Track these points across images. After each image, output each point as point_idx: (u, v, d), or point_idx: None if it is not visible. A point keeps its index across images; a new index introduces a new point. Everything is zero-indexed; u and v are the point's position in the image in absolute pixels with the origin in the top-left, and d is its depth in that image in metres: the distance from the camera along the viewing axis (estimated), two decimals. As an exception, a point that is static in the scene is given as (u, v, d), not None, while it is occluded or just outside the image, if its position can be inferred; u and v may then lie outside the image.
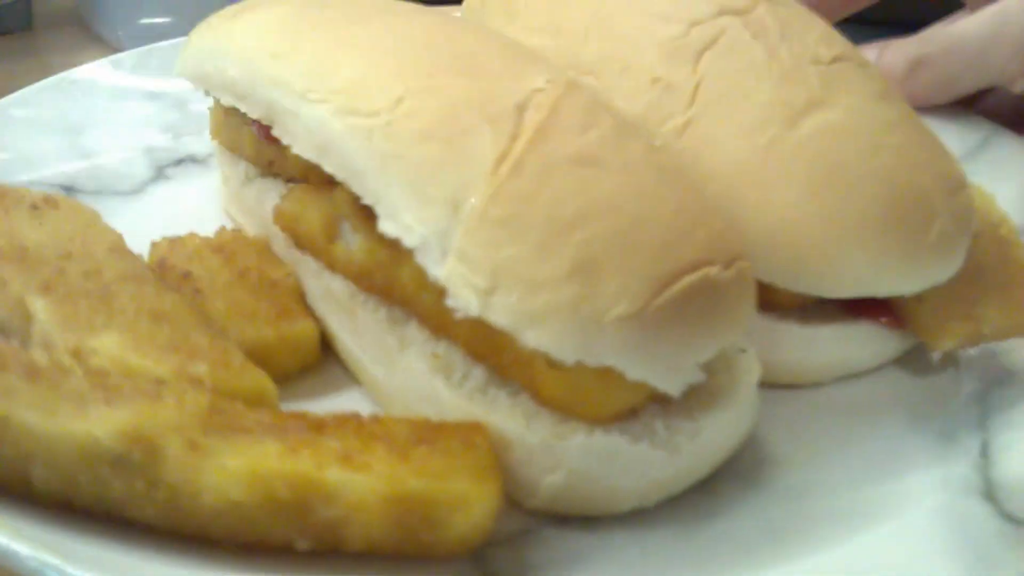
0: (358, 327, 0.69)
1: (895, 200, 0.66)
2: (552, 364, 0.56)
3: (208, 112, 0.91)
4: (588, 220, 0.55)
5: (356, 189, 0.63)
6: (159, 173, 0.98)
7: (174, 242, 0.78)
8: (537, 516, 0.59)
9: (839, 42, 0.77)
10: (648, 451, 0.56)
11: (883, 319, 0.71)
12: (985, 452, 0.63)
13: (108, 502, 0.50)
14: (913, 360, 0.74)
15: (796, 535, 0.58)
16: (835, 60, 0.74)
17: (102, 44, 1.36)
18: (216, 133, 0.89)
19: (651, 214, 0.57)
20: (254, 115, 0.72)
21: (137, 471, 0.50)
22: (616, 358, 0.53)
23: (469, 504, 0.51)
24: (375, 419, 0.57)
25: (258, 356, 0.67)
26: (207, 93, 0.82)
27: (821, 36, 0.77)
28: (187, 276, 0.74)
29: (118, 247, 0.76)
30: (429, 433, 0.56)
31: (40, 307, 0.65)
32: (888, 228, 0.66)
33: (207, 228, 0.89)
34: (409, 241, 0.58)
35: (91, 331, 0.63)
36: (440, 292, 0.63)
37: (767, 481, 0.63)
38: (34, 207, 0.77)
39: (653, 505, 0.59)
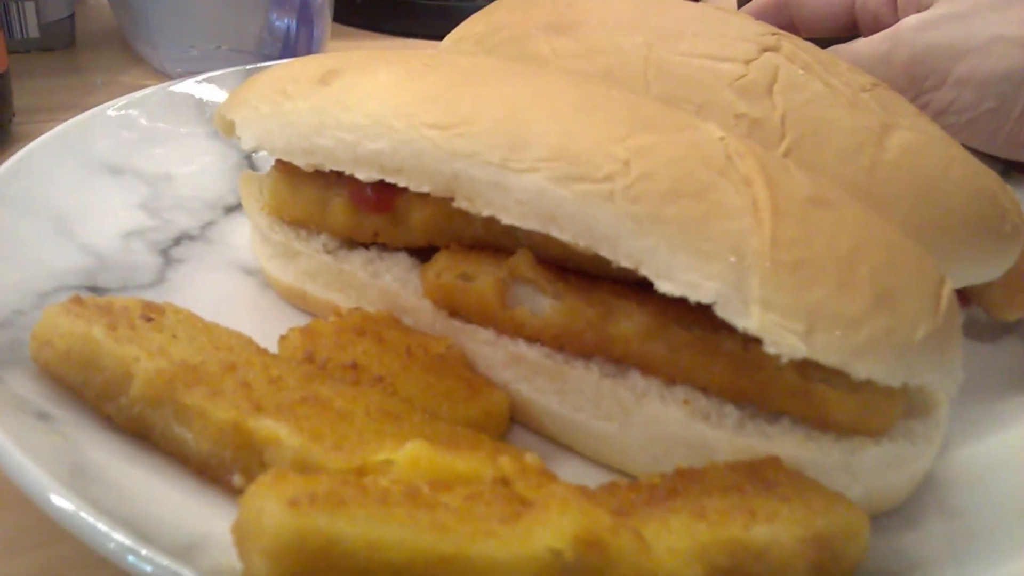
0: (567, 387, 0.70)
1: (979, 203, 0.79)
2: (837, 388, 0.62)
3: (251, 183, 0.83)
4: (861, 254, 0.61)
5: (605, 253, 0.63)
6: (166, 257, 0.87)
7: (306, 332, 0.72)
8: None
9: (860, 70, 0.89)
10: (923, 448, 0.64)
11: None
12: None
13: (579, 614, 0.48)
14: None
15: (1014, 512, 0.68)
16: (874, 86, 0.86)
17: (144, 64, 1.36)
18: (277, 208, 0.81)
19: (892, 239, 0.64)
20: (421, 188, 0.69)
21: (597, 574, 0.48)
22: (931, 374, 0.60)
23: (859, 529, 0.56)
24: (688, 473, 0.60)
25: (465, 435, 0.65)
26: (308, 166, 0.75)
27: (847, 67, 0.89)
28: (355, 367, 0.69)
29: (260, 347, 0.69)
30: (755, 474, 0.59)
31: (283, 430, 0.58)
32: (981, 227, 0.79)
33: (261, 309, 0.84)
34: (701, 297, 0.60)
35: (360, 443, 0.58)
36: (676, 342, 0.66)
37: (942, 464, 0.73)
38: (147, 318, 0.67)
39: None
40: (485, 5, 1.00)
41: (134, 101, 1.02)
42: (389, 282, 0.77)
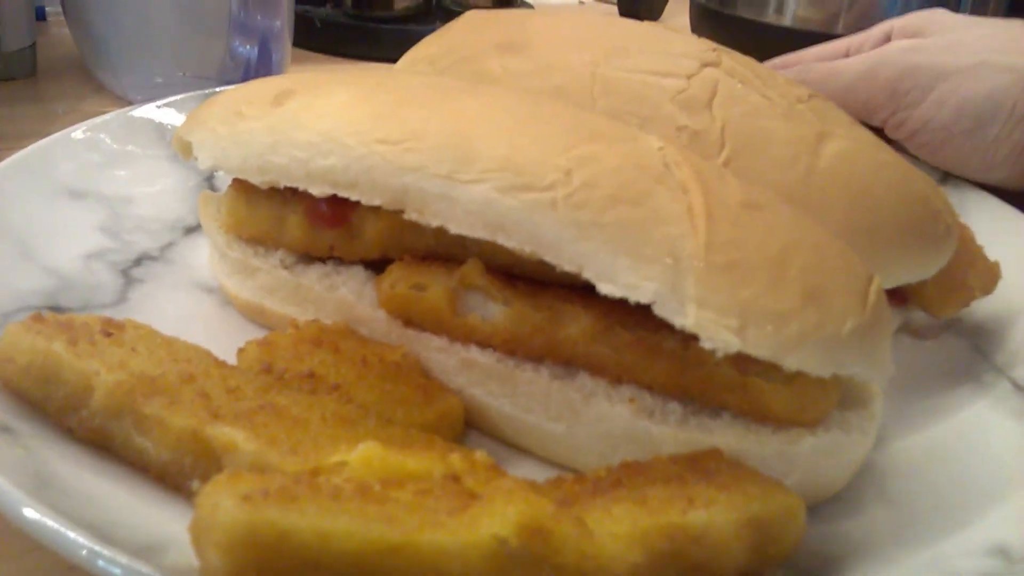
0: (518, 390, 0.72)
1: (911, 206, 0.83)
2: (772, 381, 0.65)
3: (208, 203, 0.86)
4: (791, 254, 0.65)
5: (549, 259, 0.66)
6: (127, 277, 0.89)
7: (264, 345, 0.74)
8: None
9: (797, 83, 0.93)
10: (857, 438, 0.67)
11: (891, 301, 0.88)
12: (1018, 387, 0.82)
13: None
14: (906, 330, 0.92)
15: (952, 496, 0.71)
16: (810, 97, 0.90)
17: (106, 92, 1.35)
18: (234, 226, 0.84)
19: (821, 240, 0.68)
20: (373, 201, 0.71)
21: (542, 561, 0.51)
22: (858, 366, 0.63)
23: (795, 512, 0.58)
24: (630, 466, 0.62)
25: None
26: (263, 184, 0.78)
27: (785, 79, 0.93)
28: (312, 376, 0.71)
29: (218, 360, 0.71)
30: (695, 465, 0.62)
31: (240, 437, 0.60)
32: (913, 230, 0.82)
33: (222, 325, 0.85)
34: (640, 298, 0.63)
35: (316, 447, 0.60)
36: (619, 342, 0.69)
37: (882, 455, 0.76)
38: (107, 333, 0.69)
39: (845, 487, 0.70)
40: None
41: (95, 126, 1.03)
42: (345, 294, 0.79)
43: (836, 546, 0.66)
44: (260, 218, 0.82)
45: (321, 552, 0.46)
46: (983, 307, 0.93)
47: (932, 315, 0.89)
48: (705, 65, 0.91)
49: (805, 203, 0.82)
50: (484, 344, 0.73)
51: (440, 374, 0.75)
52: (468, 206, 0.68)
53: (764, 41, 1.02)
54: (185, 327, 0.76)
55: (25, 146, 0.97)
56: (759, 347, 0.62)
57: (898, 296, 0.88)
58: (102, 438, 0.64)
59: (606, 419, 0.69)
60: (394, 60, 1.05)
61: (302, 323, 0.78)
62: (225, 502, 0.46)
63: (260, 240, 0.83)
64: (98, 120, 1.04)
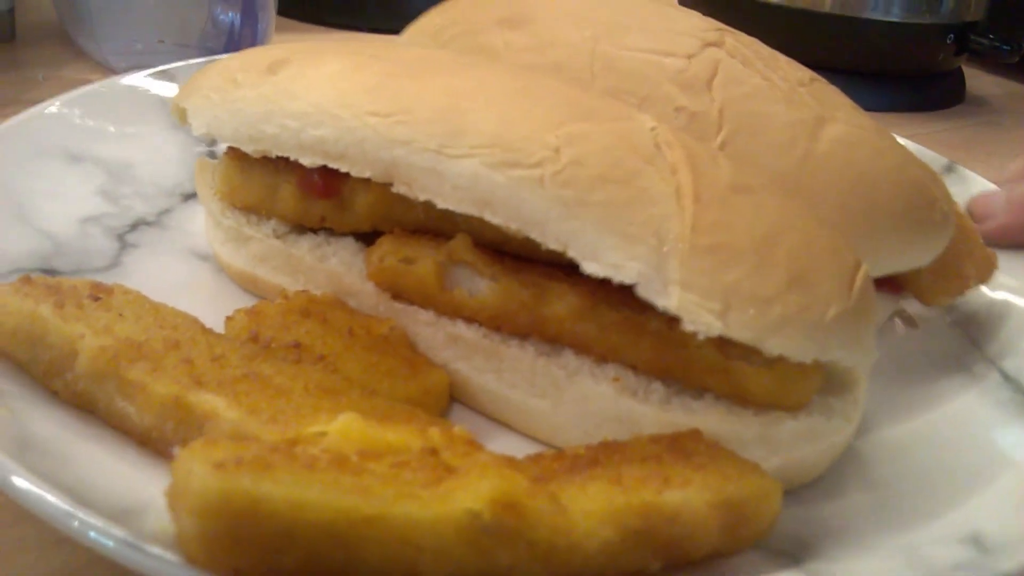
0: (504, 366, 0.72)
1: (908, 192, 0.83)
2: (753, 365, 0.65)
3: (204, 171, 0.86)
4: (778, 238, 0.64)
5: (535, 236, 0.66)
6: (122, 242, 0.90)
7: (252, 313, 0.75)
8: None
9: (800, 66, 0.92)
10: (839, 424, 0.67)
11: (885, 288, 0.88)
12: (1008, 378, 0.82)
13: (494, 574, 0.51)
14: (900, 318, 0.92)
15: (933, 484, 0.71)
16: (812, 80, 0.89)
17: (85, 58, 1.33)
18: (228, 193, 0.84)
19: (810, 225, 0.67)
20: (363, 174, 0.72)
21: (516, 536, 0.51)
22: (840, 351, 0.63)
23: (770, 494, 0.59)
24: (611, 445, 0.62)
25: (405, 412, 0.68)
26: (255, 153, 0.78)
27: (787, 61, 0.92)
28: (298, 346, 0.71)
29: (205, 327, 0.71)
30: (675, 445, 0.62)
31: (221, 404, 0.61)
32: (910, 215, 0.82)
33: (216, 292, 0.86)
34: (623, 278, 0.63)
35: (297, 417, 0.61)
36: (605, 321, 0.69)
37: (867, 442, 0.76)
38: (94, 297, 0.69)
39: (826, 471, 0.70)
40: (428, -1, 1.02)
41: (96, 91, 1.04)
42: (335, 265, 0.79)
43: (813, 529, 0.66)
44: (254, 187, 0.82)
45: (294, 521, 0.47)
46: (979, 297, 0.93)
47: (926, 303, 0.88)
48: (707, 45, 0.90)
49: (801, 187, 0.81)
50: (471, 319, 0.74)
51: (426, 348, 0.75)
52: (456, 181, 0.68)
53: (753, 18, 0.99)
54: (177, 294, 0.76)
55: (4, 113, 0.96)
56: (741, 331, 0.62)
57: (892, 284, 0.88)
58: (86, 402, 0.64)
59: (590, 397, 0.69)
60: (381, 31, 1.05)
61: (292, 293, 0.78)
62: (199, 469, 0.47)
63: (253, 209, 0.83)
64: (99, 85, 1.04)
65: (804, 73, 0.90)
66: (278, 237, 0.83)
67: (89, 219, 0.90)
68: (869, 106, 0.92)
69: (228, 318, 0.74)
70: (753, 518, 0.58)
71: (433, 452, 0.57)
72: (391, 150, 0.70)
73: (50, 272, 0.81)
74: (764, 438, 0.66)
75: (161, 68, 1.09)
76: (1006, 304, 0.93)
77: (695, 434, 0.64)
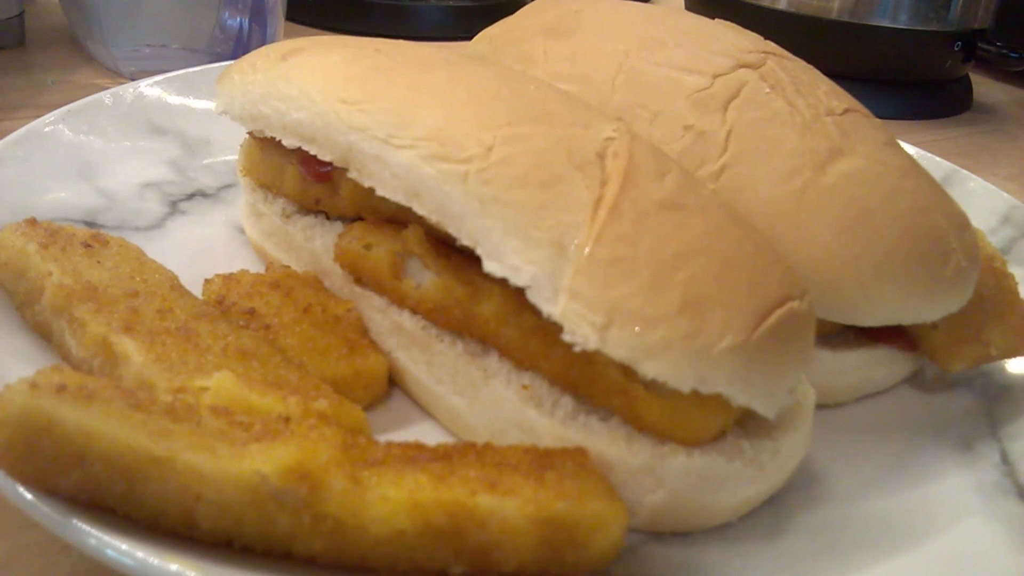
0: (433, 360, 0.73)
1: (917, 239, 0.75)
2: (651, 391, 0.62)
3: (241, 148, 0.93)
4: (687, 260, 0.61)
5: (452, 231, 0.67)
6: (173, 208, 0.98)
7: (228, 279, 0.80)
8: (638, 533, 0.64)
9: (845, 95, 0.86)
10: (741, 469, 0.62)
11: (899, 344, 0.79)
12: (1006, 459, 0.72)
13: (273, 538, 0.52)
14: (919, 380, 0.83)
15: (867, 541, 0.65)
16: (846, 112, 0.83)
17: (95, 63, 1.35)
18: (249, 170, 0.90)
19: (737, 253, 0.63)
20: (325, 157, 0.75)
21: (303, 506, 0.52)
22: (726, 386, 0.59)
23: (607, 523, 0.56)
24: (488, 447, 0.61)
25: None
26: (252, 132, 0.84)
27: (829, 89, 0.86)
28: (252, 313, 0.76)
29: (176, 285, 0.77)
30: (544, 459, 0.60)
31: (133, 348, 0.66)
32: (913, 264, 0.74)
33: (234, 261, 0.92)
34: (518, 281, 0.63)
35: (195, 371, 0.65)
36: (525, 327, 0.68)
37: (822, 493, 0.70)
38: (87, 245, 0.77)
39: (736, 519, 0.65)
40: (438, 5, 1.04)
41: (186, 74, 1.14)
42: (318, 247, 0.83)
43: (692, 573, 0.61)
44: (267, 166, 0.88)
45: (84, 447, 0.51)
46: (1018, 368, 0.82)
47: (939, 366, 0.79)
48: (741, 66, 0.86)
49: (792, 219, 0.76)
50: (415, 310, 0.75)
51: (376, 333, 0.77)
52: (395, 169, 0.70)
53: (761, 25, 0.95)
54: (199, 258, 0.83)
55: (13, 118, 1.00)
56: (618, 347, 0.59)
57: (905, 340, 0.79)
58: (45, 332, 0.72)
59: (498, 402, 0.68)
60: (385, 34, 1.07)
61: (277, 267, 0.83)
62: (17, 385, 0.52)
63: (267, 187, 0.89)
64: (192, 71, 1.15)
65: (840, 103, 0.84)
66: (284, 216, 0.88)
67: (150, 184, 1.00)
68: (875, 113, 0.87)
69: (207, 280, 0.80)
70: (584, 543, 0.55)
71: (285, 420, 0.59)
72: (347, 135, 0.73)
73: (92, 225, 0.91)
74: (650, 469, 0.62)
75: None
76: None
77: (579, 452, 0.62)
